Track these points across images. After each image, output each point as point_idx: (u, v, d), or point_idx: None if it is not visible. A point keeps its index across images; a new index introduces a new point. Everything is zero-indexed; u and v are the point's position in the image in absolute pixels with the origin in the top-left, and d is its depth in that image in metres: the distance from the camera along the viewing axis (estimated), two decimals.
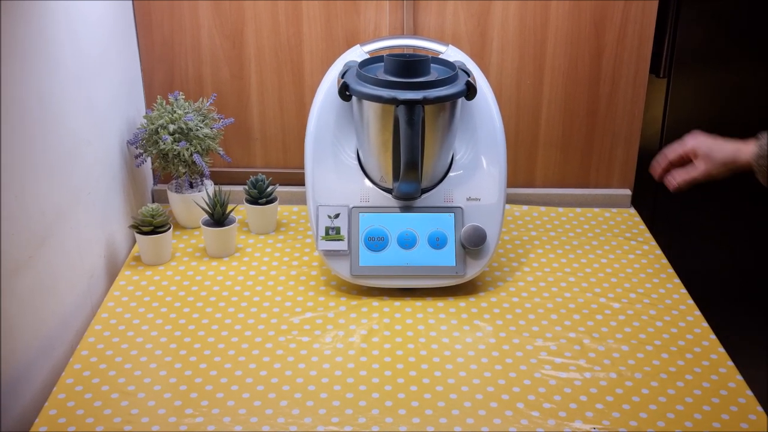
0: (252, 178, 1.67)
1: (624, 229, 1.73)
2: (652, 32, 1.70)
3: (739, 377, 1.27)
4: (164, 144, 1.59)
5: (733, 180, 1.89)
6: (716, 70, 1.84)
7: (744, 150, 1.33)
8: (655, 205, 1.91)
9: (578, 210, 1.81)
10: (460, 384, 1.25)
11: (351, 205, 1.49)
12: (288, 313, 1.42)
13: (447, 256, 1.46)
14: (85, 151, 1.44)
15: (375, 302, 1.45)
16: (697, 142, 1.37)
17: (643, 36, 1.70)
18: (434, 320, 1.41)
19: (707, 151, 1.36)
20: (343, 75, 1.48)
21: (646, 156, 1.85)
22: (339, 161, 1.52)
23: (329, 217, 1.48)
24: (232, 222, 1.60)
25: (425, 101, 1.37)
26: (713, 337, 1.36)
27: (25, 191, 1.20)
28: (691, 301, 1.47)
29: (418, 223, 1.48)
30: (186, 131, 1.61)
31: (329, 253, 1.47)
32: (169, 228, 1.57)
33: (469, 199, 1.50)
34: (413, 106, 1.36)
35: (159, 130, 1.60)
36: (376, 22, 1.70)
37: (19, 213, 1.18)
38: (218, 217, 1.58)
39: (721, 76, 1.84)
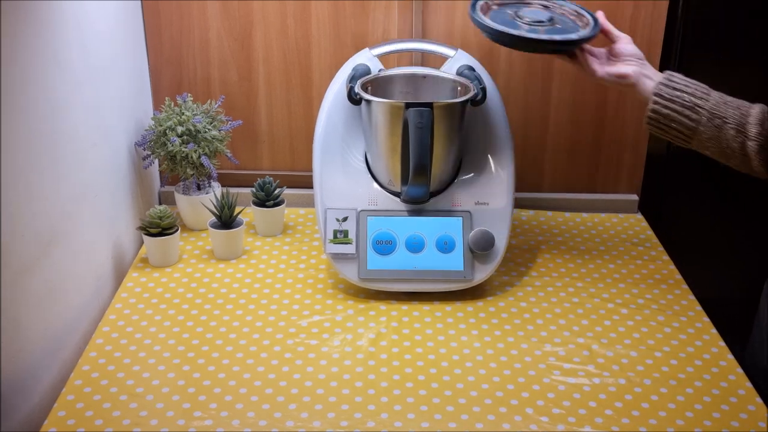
0: (259, 180, 1.66)
1: (631, 234, 1.73)
2: (661, 37, 1.70)
3: (748, 384, 1.26)
4: (172, 146, 1.59)
5: (742, 184, 1.89)
6: (724, 75, 1.83)
7: (646, 83, 1.32)
8: (662, 210, 1.91)
9: (585, 215, 1.81)
10: (468, 388, 1.25)
11: (359, 209, 1.48)
12: (296, 316, 1.42)
13: (455, 261, 1.46)
14: (92, 153, 1.43)
15: (383, 306, 1.45)
16: (620, 45, 1.37)
17: (651, 41, 1.70)
18: (442, 324, 1.41)
19: (615, 55, 1.36)
20: (350, 79, 1.48)
21: (653, 161, 1.85)
22: (347, 164, 1.52)
23: (337, 220, 1.48)
24: (239, 224, 1.60)
25: (434, 104, 1.37)
26: (722, 343, 1.36)
27: (32, 192, 1.20)
28: (699, 308, 1.46)
29: (426, 227, 1.48)
30: (194, 133, 1.61)
31: (337, 257, 1.47)
32: (177, 230, 1.56)
33: (477, 203, 1.49)
34: (422, 110, 1.36)
35: (167, 131, 1.60)
36: (384, 25, 1.70)
37: (27, 214, 1.18)
38: (225, 220, 1.58)
39: (730, 81, 1.83)
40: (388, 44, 1.60)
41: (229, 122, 1.69)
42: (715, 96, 1.29)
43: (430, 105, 1.37)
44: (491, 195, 1.50)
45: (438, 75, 1.54)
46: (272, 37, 1.72)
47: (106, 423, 1.16)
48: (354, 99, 1.45)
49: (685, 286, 1.53)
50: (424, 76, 1.54)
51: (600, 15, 1.41)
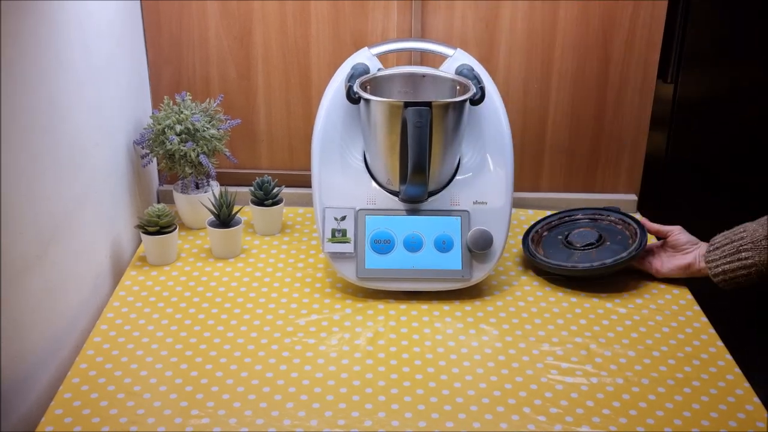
0: (258, 179, 1.66)
1: None
2: (660, 38, 1.70)
3: (747, 384, 1.26)
4: (171, 144, 1.59)
5: (741, 185, 1.89)
6: (723, 76, 1.84)
7: (698, 262, 1.47)
8: (661, 210, 1.91)
9: None
10: (466, 388, 1.25)
11: (357, 208, 1.48)
12: (293, 315, 1.42)
13: (453, 260, 1.46)
14: (92, 152, 1.43)
15: (381, 305, 1.45)
16: (673, 238, 1.53)
17: (651, 41, 1.70)
18: (440, 324, 1.41)
19: (672, 248, 1.52)
20: (349, 78, 1.48)
21: (652, 161, 1.85)
22: (346, 163, 1.52)
23: (335, 219, 1.47)
24: (237, 223, 1.60)
25: (433, 103, 1.37)
26: (720, 343, 1.36)
27: (33, 191, 1.20)
28: (697, 308, 1.46)
29: (424, 226, 1.48)
30: (193, 132, 1.61)
31: (335, 256, 1.47)
32: (175, 228, 1.56)
33: (475, 202, 1.49)
34: (421, 109, 1.36)
35: (166, 130, 1.60)
36: (384, 24, 1.70)
37: (28, 212, 1.18)
38: (224, 218, 1.58)
39: (729, 82, 1.84)
40: (387, 43, 1.59)
41: (228, 121, 1.69)
42: (750, 226, 1.41)
43: (428, 104, 1.37)
44: (490, 194, 1.49)
45: (437, 74, 1.54)
46: (271, 36, 1.72)
47: (103, 421, 1.16)
48: (353, 98, 1.45)
49: (683, 286, 1.53)
50: (423, 76, 1.54)
51: (644, 221, 1.58)
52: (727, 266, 1.41)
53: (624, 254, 1.50)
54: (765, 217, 1.41)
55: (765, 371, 1.41)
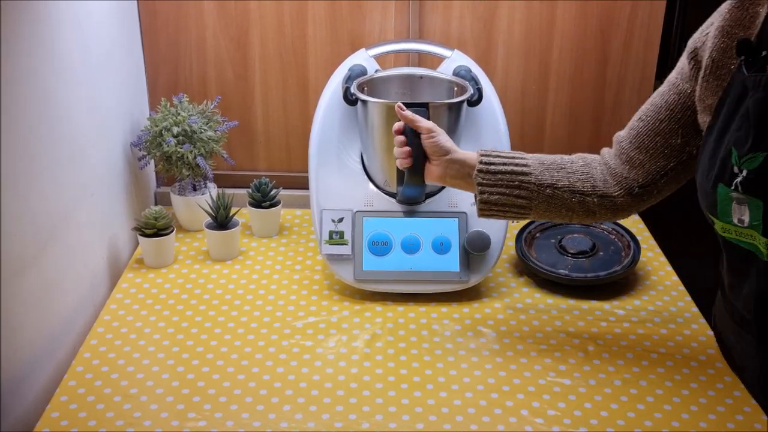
0: (255, 181, 1.66)
1: None
2: (658, 39, 1.70)
3: (744, 386, 1.26)
4: (168, 146, 1.59)
5: None
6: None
7: (466, 155, 1.23)
8: (659, 211, 1.90)
9: None
10: (463, 390, 1.24)
11: (355, 210, 1.48)
12: (291, 317, 1.42)
13: (451, 262, 1.46)
14: (89, 153, 1.43)
15: (378, 307, 1.45)
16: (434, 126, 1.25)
17: (649, 42, 1.70)
18: (438, 326, 1.40)
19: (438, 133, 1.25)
20: (346, 80, 1.48)
21: None
22: (343, 165, 1.51)
23: (333, 221, 1.47)
24: (235, 225, 1.60)
25: (430, 105, 1.37)
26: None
27: (30, 192, 1.19)
28: (695, 309, 1.46)
29: (422, 228, 1.47)
30: (190, 134, 1.61)
31: (333, 258, 1.46)
32: (172, 230, 1.56)
33: (473, 204, 1.48)
34: (418, 110, 1.35)
35: (163, 132, 1.60)
36: (381, 25, 1.70)
37: (26, 213, 1.18)
38: (221, 220, 1.58)
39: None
40: (384, 45, 1.59)
41: (225, 123, 1.68)
42: (535, 164, 1.20)
43: (425, 105, 1.37)
44: None
45: (434, 75, 1.54)
46: (269, 37, 1.71)
47: (99, 424, 1.15)
48: (350, 99, 1.45)
49: (682, 288, 1.53)
50: (421, 77, 1.54)
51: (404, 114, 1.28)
52: (499, 197, 1.20)
53: (618, 268, 1.51)
54: (554, 160, 1.22)
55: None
